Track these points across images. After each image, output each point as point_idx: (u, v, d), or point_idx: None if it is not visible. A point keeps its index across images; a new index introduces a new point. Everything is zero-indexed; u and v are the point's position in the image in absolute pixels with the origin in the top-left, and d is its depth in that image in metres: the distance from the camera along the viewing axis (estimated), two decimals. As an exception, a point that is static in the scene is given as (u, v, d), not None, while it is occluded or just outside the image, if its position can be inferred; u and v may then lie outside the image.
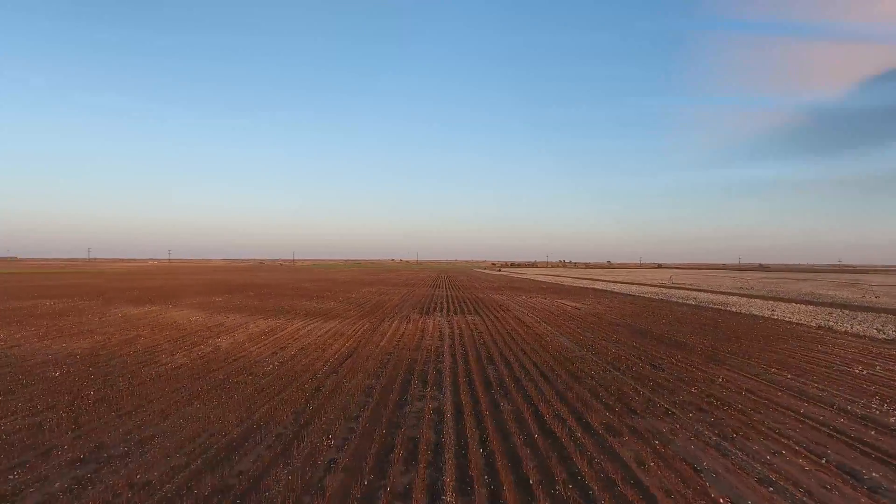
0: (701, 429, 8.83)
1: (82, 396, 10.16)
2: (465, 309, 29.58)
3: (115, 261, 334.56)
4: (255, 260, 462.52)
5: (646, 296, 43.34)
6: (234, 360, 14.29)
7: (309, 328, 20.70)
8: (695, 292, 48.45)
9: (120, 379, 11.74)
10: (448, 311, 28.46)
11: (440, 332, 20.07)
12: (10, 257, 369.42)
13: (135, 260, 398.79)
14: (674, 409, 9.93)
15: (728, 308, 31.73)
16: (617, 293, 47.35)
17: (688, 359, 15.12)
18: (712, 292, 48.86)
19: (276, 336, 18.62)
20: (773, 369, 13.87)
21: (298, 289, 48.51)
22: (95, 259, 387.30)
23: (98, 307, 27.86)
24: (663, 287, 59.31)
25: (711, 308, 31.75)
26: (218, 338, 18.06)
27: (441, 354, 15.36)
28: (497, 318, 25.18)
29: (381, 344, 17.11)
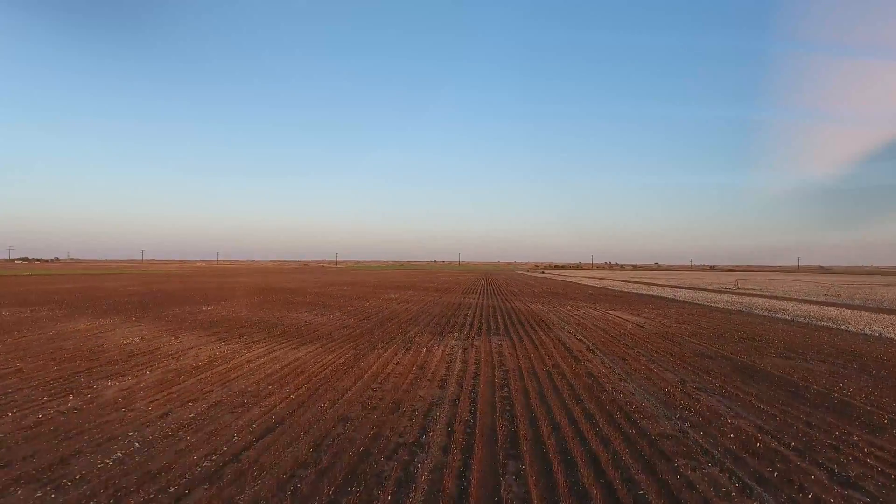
0: None
1: None
2: (494, 326, 23.05)
3: (164, 262, 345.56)
4: (300, 261, 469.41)
5: (718, 306, 35.40)
6: (71, 436, 8.44)
7: (265, 359, 14.78)
8: (778, 301, 39.92)
9: None
10: (471, 329, 22.02)
11: (447, 370, 13.69)
12: (73, 258, 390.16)
13: (185, 262, 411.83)
14: None
15: (843, 327, 23.79)
16: (681, 301, 39.51)
17: (882, 447, 8.15)
18: (799, 301, 40.17)
19: (203, 375, 12.77)
20: None
21: (313, 294, 43.25)
22: (146, 261, 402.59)
23: (52, 319, 23.07)
24: (733, 294, 50.65)
25: (821, 326, 23.89)
26: (119, 377, 12.38)
27: (428, 428, 9.01)
28: (534, 341, 18.57)
29: (346, 397, 10.93)
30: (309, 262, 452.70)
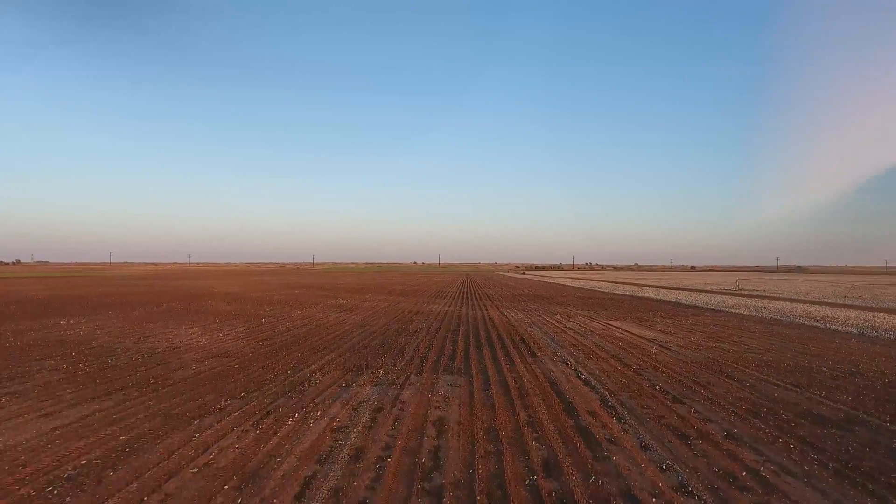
0: None
1: None
2: (450, 352, 15.38)
3: (132, 265, 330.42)
4: (277, 263, 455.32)
5: (741, 312, 28.32)
6: None
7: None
8: (811, 306, 33.07)
9: None
10: (413, 357, 14.31)
11: (297, 498, 5.94)
12: (40, 261, 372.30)
13: (156, 264, 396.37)
14: None
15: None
16: (691, 307, 32.40)
17: None
18: (836, 306, 33.41)
19: None
20: None
21: (247, 299, 35.03)
22: (115, 263, 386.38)
23: None
24: (742, 296, 43.87)
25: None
26: None
27: None
28: (507, 386, 10.94)
29: None
30: (286, 264, 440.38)
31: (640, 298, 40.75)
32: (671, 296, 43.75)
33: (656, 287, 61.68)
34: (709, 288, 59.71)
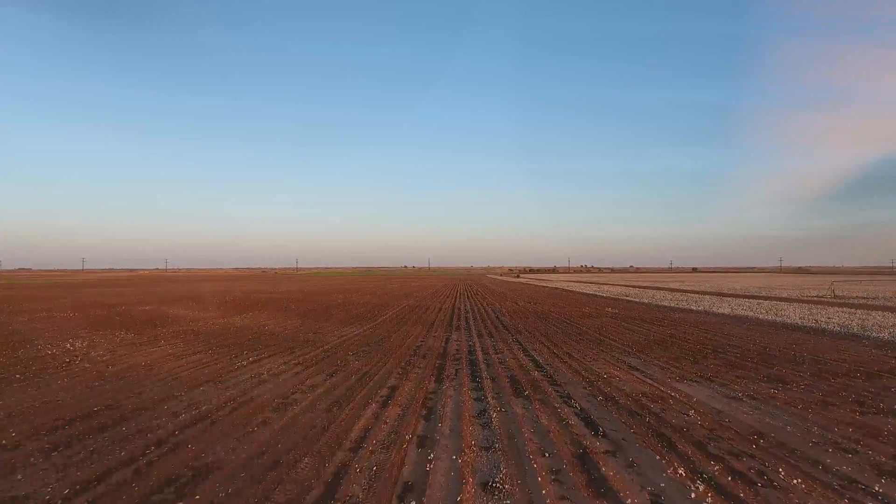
0: None
1: None
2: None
3: (111, 271, 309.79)
4: (260, 268, 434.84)
5: None
6: None
7: None
8: None
9: None
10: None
11: None
12: (22, 268, 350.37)
13: (131, 270, 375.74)
14: None
15: None
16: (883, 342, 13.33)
17: None
18: None
19: None
20: None
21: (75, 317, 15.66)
22: (86, 270, 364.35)
23: None
24: (860, 307, 24.79)
25: None
26: None
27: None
28: None
29: None
30: (266, 269, 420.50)
31: (717, 315, 21.57)
32: (781, 312, 24.47)
33: (702, 294, 42.74)
34: (786, 294, 40.73)
